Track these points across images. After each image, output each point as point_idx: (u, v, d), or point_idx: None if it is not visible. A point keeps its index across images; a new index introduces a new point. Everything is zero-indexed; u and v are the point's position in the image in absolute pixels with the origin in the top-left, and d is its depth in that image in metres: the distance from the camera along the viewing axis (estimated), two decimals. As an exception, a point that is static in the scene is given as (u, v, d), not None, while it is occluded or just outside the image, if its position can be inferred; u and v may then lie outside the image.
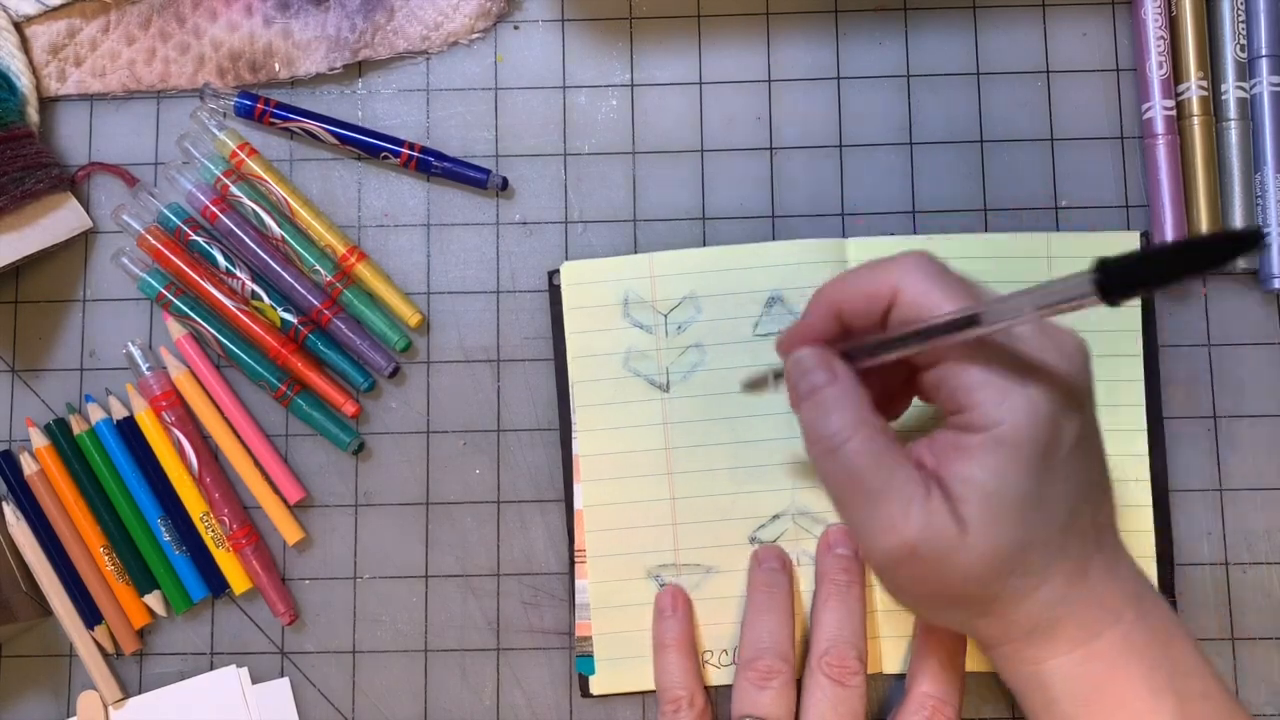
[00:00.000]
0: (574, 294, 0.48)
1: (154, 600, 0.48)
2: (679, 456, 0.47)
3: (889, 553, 0.35)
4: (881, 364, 0.37)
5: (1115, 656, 0.35)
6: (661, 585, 0.47)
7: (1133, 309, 0.47)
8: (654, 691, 0.46)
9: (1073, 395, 0.34)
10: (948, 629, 0.43)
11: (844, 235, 0.49)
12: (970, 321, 0.32)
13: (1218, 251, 0.26)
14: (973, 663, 0.44)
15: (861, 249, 0.47)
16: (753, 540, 0.47)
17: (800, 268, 0.47)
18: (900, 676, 0.46)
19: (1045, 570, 0.35)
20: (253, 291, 0.48)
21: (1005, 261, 0.47)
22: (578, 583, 0.47)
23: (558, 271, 0.48)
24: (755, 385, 0.46)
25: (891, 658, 0.46)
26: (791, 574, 0.46)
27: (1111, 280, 0.27)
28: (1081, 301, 0.29)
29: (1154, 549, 0.46)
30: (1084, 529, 0.35)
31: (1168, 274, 0.27)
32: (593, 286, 0.48)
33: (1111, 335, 0.47)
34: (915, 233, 0.49)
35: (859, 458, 0.35)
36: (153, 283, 0.48)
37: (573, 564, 0.47)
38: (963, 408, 0.34)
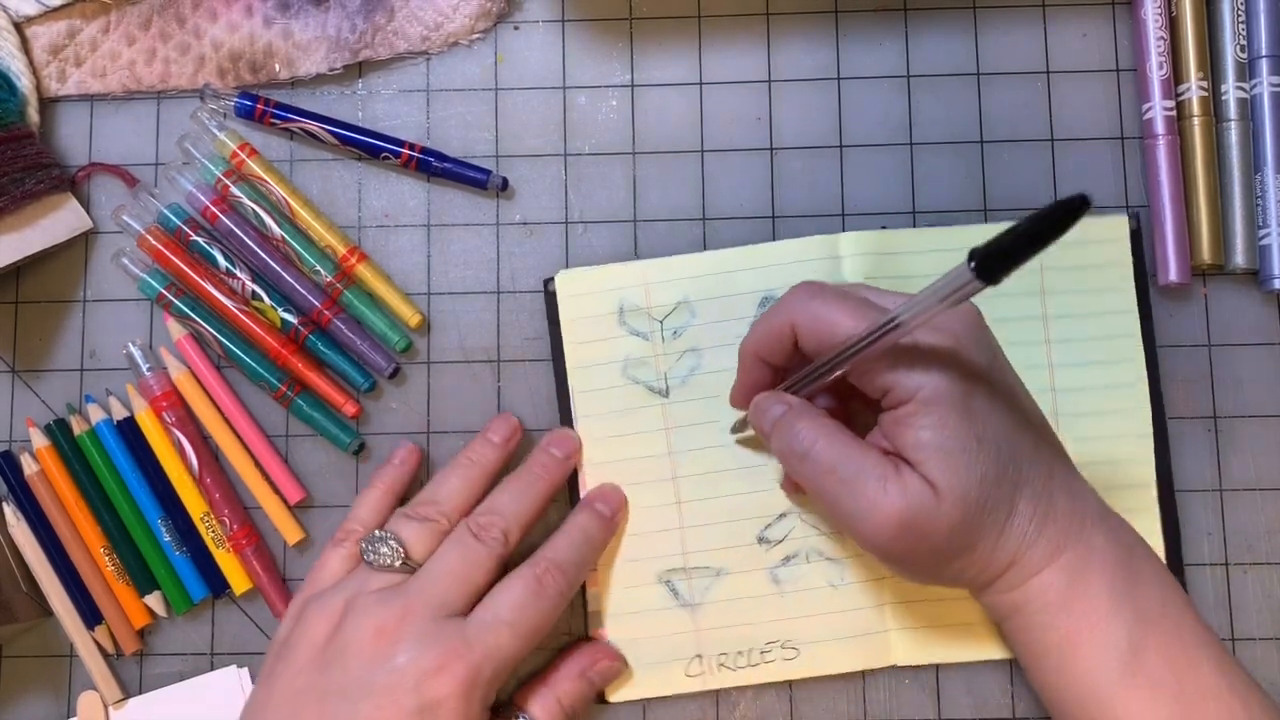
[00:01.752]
0: (570, 305, 0.48)
1: (154, 600, 0.48)
2: (682, 460, 0.47)
3: (881, 529, 0.38)
4: (823, 387, 0.41)
5: (1079, 567, 0.40)
6: (673, 590, 0.47)
7: (1129, 315, 0.47)
8: (672, 696, 0.47)
9: (969, 351, 0.39)
10: (596, 519, 0.46)
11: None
12: (893, 327, 0.37)
13: (1058, 221, 0.30)
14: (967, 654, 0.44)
15: (854, 243, 0.47)
16: (761, 540, 0.47)
17: (793, 267, 0.47)
18: (915, 669, 0.46)
19: (1012, 502, 0.39)
20: (253, 292, 0.48)
21: None
22: (589, 591, 0.47)
23: (552, 279, 0.48)
24: (738, 428, 0.47)
25: (900, 649, 0.46)
26: (508, 449, 0.47)
27: (983, 265, 0.32)
28: (967, 288, 0.33)
29: (1162, 552, 0.46)
30: (1027, 456, 0.40)
31: (1023, 248, 0.31)
32: (588, 297, 0.48)
33: (1111, 341, 0.47)
34: (915, 233, 0.49)
35: (828, 455, 0.40)
36: (153, 283, 0.48)
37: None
38: (887, 388, 0.39)
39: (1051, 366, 0.47)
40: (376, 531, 0.43)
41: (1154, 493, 0.47)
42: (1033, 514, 0.39)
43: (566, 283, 0.48)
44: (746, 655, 0.46)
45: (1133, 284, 0.47)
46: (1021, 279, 0.46)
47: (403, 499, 0.47)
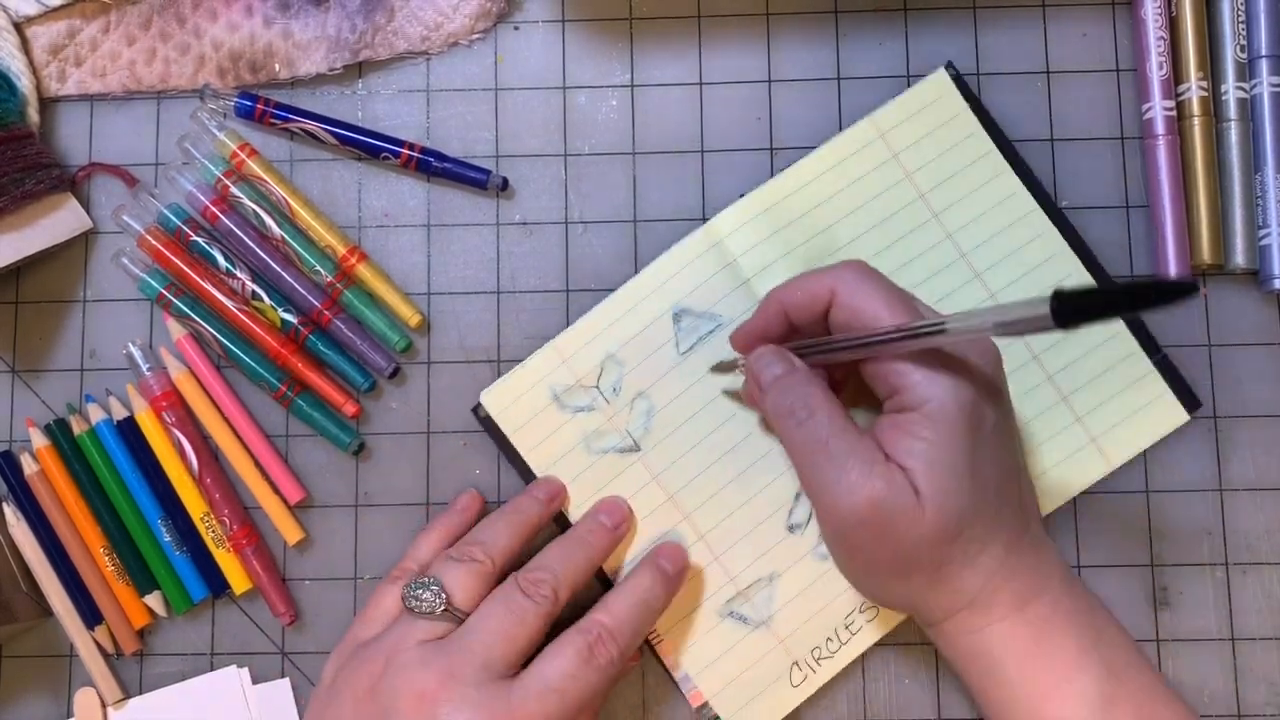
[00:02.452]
0: (507, 418, 0.47)
1: (154, 600, 0.48)
2: (684, 497, 0.47)
3: (854, 509, 0.38)
4: (829, 364, 0.42)
5: (1047, 619, 0.40)
6: (741, 618, 0.47)
7: (993, 159, 0.48)
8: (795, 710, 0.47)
9: (988, 387, 0.39)
10: (658, 579, 0.44)
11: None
12: (936, 330, 0.36)
13: (1157, 296, 0.29)
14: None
15: (728, 220, 0.47)
16: (792, 528, 0.47)
17: (686, 271, 0.47)
18: (914, 670, 0.46)
19: (986, 538, 0.39)
20: (253, 292, 0.48)
21: (849, 161, 0.48)
22: (667, 660, 0.47)
23: (480, 405, 0.47)
24: (723, 368, 0.47)
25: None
26: (552, 507, 0.46)
27: (1064, 310, 0.30)
28: (1037, 324, 0.31)
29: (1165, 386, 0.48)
30: (1013, 504, 0.40)
31: (1111, 309, 0.30)
32: (518, 402, 0.47)
33: (991, 188, 0.48)
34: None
35: (825, 428, 0.39)
36: (153, 283, 0.48)
37: (650, 647, 0.47)
38: (898, 390, 0.39)
39: (960, 252, 0.48)
40: (420, 577, 0.42)
41: (1136, 343, 0.48)
42: (1002, 560, 0.39)
43: (493, 400, 0.47)
44: (836, 637, 0.47)
45: (982, 130, 0.48)
46: (885, 170, 0.48)
47: None
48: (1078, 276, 0.48)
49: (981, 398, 0.38)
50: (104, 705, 0.48)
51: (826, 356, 0.41)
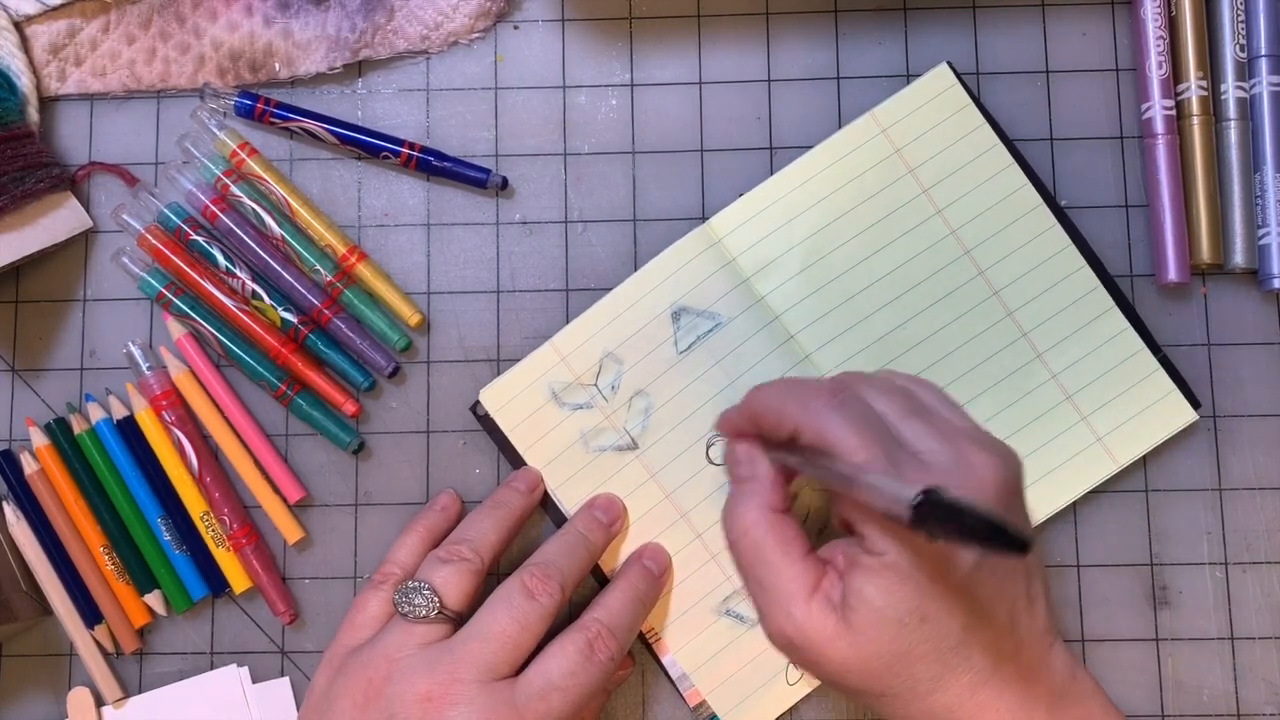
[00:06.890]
0: (506, 415, 0.47)
1: (154, 600, 0.48)
2: (681, 496, 0.47)
3: (773, 638, 0.40)
4: (797, 471, 0.41)
5: None
6: (738, 617, 0.47)
7: (1000, 154, 0.47)
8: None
9: None
10: (646, 578, 0.45)
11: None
12: (853, 483, 0.35)
13: (998, 538, 0.30)
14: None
15: (725, 221, 0.47)
16: None
17: (684, 271, 0.47)
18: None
19: (939, 680, 0.38)
20: (253, 291, 0.48)
21: (850, 157, 0.48)
22: (664, 659, 0.47)
23: (478, 403, 0.48)
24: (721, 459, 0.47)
25: None
26: (534, 498, 0.46)
27: (919, 512, 0.31)
28: (899, 514, 0.32)
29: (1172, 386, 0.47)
30: (993, 641, 0.38)
31: (957, 529, 0.30)
32: (517, 400, 0.47)
33: (996, 185, 0.48)
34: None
35: (752, 552, 0.41)
36: (153, 282, 0.48)
37: (648, 646, 0.47)
38: (859, 535, 0.38)
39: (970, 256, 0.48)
40: (410, 581, 0.42)
41: (1148, 354, 0.47)
42: (967, 696, 0.38)
43: (492, 398, 0.47)
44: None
45: (986, 124, 0.48)
46: (886, 165, 0.47)
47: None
48: (1081, 274, 0.47)
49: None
50: (99, 704, 0.48)
51: (793, 467, 0.41)
